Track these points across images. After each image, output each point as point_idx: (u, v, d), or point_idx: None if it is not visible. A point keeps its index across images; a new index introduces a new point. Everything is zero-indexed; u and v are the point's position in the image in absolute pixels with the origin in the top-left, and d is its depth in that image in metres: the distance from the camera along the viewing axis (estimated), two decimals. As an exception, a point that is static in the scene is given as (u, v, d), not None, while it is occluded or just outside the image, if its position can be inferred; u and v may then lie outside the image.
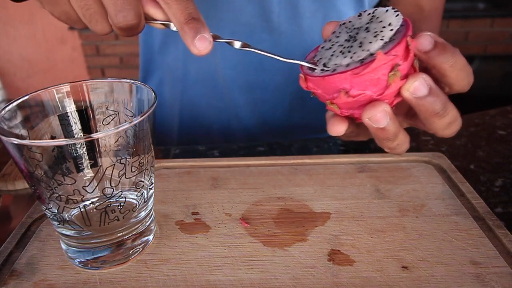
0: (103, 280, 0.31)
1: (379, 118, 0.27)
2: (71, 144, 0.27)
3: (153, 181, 0.33)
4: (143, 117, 0.28)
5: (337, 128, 0.30)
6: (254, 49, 0.31)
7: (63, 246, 0.32)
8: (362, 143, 0.54)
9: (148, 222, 0.34)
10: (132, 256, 0.32)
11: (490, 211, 0.36)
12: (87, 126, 0.33)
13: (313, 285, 0.30)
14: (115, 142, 0.28)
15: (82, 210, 0.29)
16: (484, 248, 0.33)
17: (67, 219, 0.29)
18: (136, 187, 0.31)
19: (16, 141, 0.26)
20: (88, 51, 2.19)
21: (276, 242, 0.34)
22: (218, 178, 0.43)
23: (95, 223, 0.30)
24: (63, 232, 0.31)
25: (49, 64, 2.45)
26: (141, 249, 0.33)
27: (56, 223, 0.30)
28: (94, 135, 0.26)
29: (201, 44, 0.29)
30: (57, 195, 0.28)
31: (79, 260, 0.32)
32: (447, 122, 0.29)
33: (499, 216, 0.37)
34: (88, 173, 0.29)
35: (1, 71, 2.51)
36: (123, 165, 0.29)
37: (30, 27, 2.36)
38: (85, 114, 0.33)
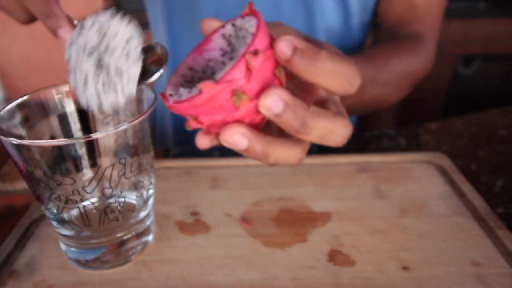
0: (103, 280, 0.30)
1: (234, 141, 0.24)
2: (70, 144, 0.27)
3: (152, 181, 0.33)
4: (143, 117, 0.28)
5: (202, 142, 0.28)
6: None
7: (63, 247, 0.32)
8: (363, 143, 0.54)
9: (148, 223, 0.33)
10: (132, 257, 0.32)
11: (491, 211, 0.36)
12: (87, 126, 0.33)
13: (314, 285, 0.30)
14: (115, 142, 0.28)
15: (81, 210, 0.29)
16: (485, 248, 0.32)
17: (67, 219, 0.29)
18: (135, 188, 0.31)
19: (15, 141, 0.25)
20: (88, 51, 2.19)
21: (276, 242, 0.34)
22: (218, 178, 0.42)
23: (94, 224, 0.30)
24: (62, 232, 0.30)
25: (49, 64, 2.44)
26: (140, 249, 0.33)
27: (55, 223, 0.30)
28: (94, 135, 0.26)
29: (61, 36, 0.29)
30: (56, 195, 0.28)
31: (78, 261, 0.31)
32: (315, 136, 0.25)
33: (500, 216, 0.37)
34: (88, 173, 0.29)
35: (1, 70, 2.51)
36: (123, 165, 0.29)
37: (30, 27, 2.34)
38: (84, 114, 0.33)
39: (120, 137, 0.28)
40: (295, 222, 0.36)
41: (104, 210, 0.29)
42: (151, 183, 0.32)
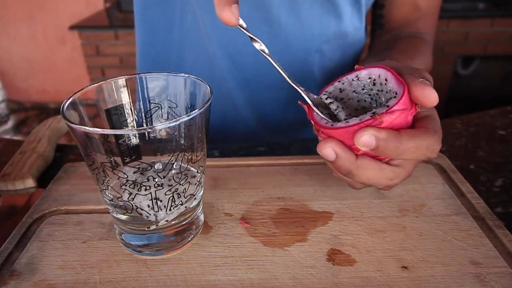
0: (103, 280, 0.31)
1: (327, 152, 0.32)
2: (150, 132, 0.28)
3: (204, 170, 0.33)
4: (200, 110, 0.28)
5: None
6: (269, 57, 0.33)
7: (117, 231, 0.33)
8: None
9: (199, 211, 0.34)
10: (185, 242, 0.33)
11: (490, 211, 0.36)
12: (139, 119, 0.34)
13: (313, 285, 0.30)
14: (187, 131, 0.29)
15: (153, 196, 0.30)
16: (484, 248, 0.33)
17: (138, 206, 0.30)
18: (196, 173, 0.32)
19: (98, 130, 0.27)
20: (88, 51, 2.19)
21: (276, 242, 0.34)
22: (218, 178, 0.43)
23: (162, 209, 0.30)
24: (121, 217, 0.31)
25: (49, 64, 2.45)
26: (189, 240, 0.34)
27: (120, 210, 0.31)
28: (172, 123, 0.27)
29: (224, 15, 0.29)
30: (131, 182, 0.29)
31: (135, 244, 0.32)
32: (359, 183, 0.34)
33: (499, 216, 0.37)
34: (164, 159, 0.30)
35: (1, 71, 2.51)
36: (191, 150, 0.30)
37: (30, 27, 2.36)
38: (132, 107, 0.34)
39: (194, 124, 0.29)
40: (294, 221, 0.36)
41: (172, 195, 0.30)
42: (203, 173, 0.33)
